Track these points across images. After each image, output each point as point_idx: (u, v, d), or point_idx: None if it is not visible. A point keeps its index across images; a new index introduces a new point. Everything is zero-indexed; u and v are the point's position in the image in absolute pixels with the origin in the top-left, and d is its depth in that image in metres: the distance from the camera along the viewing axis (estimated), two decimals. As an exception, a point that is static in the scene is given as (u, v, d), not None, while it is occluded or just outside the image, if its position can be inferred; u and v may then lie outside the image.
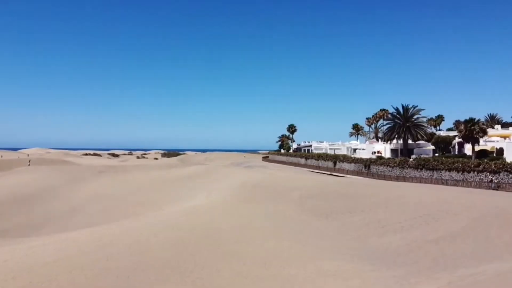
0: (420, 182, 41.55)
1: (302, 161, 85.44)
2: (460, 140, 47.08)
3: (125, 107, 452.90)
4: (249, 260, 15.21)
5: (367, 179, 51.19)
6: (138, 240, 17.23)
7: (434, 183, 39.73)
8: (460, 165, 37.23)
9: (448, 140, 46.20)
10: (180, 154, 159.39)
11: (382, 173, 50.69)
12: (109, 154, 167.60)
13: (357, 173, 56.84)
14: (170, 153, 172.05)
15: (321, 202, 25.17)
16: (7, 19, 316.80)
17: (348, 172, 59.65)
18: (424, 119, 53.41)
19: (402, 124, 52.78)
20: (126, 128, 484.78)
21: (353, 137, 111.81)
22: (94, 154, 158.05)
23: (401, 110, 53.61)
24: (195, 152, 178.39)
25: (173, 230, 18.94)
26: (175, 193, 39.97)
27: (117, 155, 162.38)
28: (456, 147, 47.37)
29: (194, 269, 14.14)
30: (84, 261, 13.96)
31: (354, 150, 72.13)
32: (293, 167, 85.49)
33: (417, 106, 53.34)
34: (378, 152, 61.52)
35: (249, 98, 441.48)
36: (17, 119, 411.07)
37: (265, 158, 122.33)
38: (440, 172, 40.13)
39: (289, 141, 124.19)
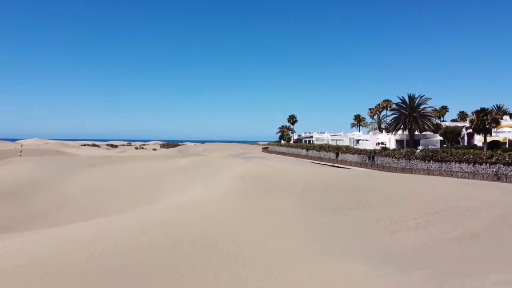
0: (428, 174, 39.99)
1: (303, 152, 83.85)
2: (470, 130, 45.34)
3: (126, 98, 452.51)
4: (249, 262, 13.67)
5: (371, 170, 49.62)
6: (126, 239, 15.66)
7: (443, 175, 38.18)
8: (471, 157, 35.61)
9: (457, 131, 44.42)
10: (179, 145, 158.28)
11: (388, 165, 49.11)
12: (107, 145, 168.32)
13: (361, 164, 55.28)
14: (169, 144, 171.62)
15: (326, 196, 23.58)
16: (7, 15, 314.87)
17: (351, 163, 58.07)
18: (431, 109, 51.60)
19: (408, 114, 50.94)
20: (127, 119, 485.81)
21: (354, 128, 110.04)
22: (93, 145, 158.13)
23: (407, 99, 51.74)
24: (194, 143, 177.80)
25: (166, 228, 17.37)
26: (171, 186, 38.42)
27: (115, 146, 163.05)
28: (466, 138, 45.68)
29: (187, 272, 12.60)
30: (61, 264, 12.40)
31: (357, 141, 70.47)
32: (294, 158, 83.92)
33: (423, 95, 51.57)
34: (383, 143, 59.85)
35: (249, 89, 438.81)
36: (19, 110, 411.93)
37: (265, 149, 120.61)
38: (450, 163, 38.53)
39: (290, 132, 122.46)
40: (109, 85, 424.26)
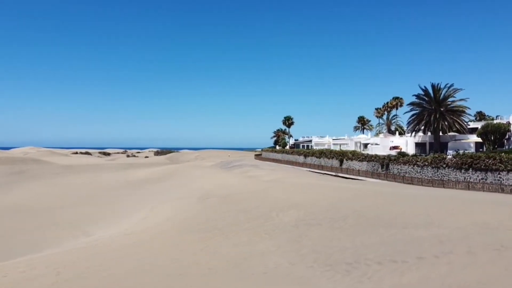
0: (468, 188, 30.95)
1: (301, 159, 74.83)
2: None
3: (125, 106, 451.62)
4: None
5: (387, 182, 40.57)
6: None
7: (490, 191, 29.16)
8: (535, 164, 26.63)
9: (502, 130, 35.33)
10: (172, 152, 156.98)
11: (408, 175, 40.07)
12: (100, 152, 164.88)
13: (372, 174, 46.23)
14: (162, 151, 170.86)
15: (334, 234, 14.45)
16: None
17: (359, 172, 49.01)
18: (463, 103, 42.56)
19: (433, 109, 41.83)
20: (128, 127, 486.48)
21: (358, 131, 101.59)
22: (86, 153, 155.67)
23: (430, 91, 42.62)
24: (191, 151, 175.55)
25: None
26: (114, 206, 29.33)
27: (108, 154, 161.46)
28: (513, 138, 36.93)
29: None
30: None
31: (365, 145, 61.46)
32: (290, 166, 75.00)
33: (452, 85, 42.27)
34: (397, 147, 50.93)
35: (247, 93, 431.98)
36: (22, 118, 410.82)
37: (258, 156, 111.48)
38: (499, 173, 29.55)
39: (286, 136, 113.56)
40: (112, 93, 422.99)
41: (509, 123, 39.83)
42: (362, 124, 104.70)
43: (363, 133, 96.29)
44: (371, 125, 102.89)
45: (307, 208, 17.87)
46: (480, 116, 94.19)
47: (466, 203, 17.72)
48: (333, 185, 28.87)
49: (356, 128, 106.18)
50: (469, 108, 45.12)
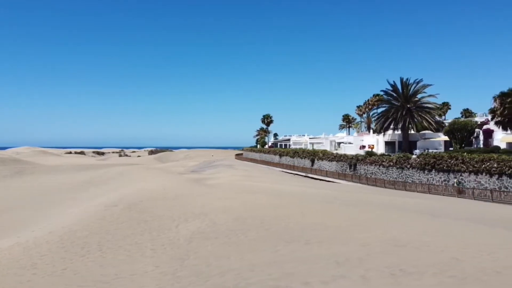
0: (429, 190, 29.10)
1: (276, 158, 72.93)
2: (489, 126, 34.65)
3: (126, 106, 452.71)
4: None
5: (352, 184, 38.65)
6: None
7: (451, 194, 27.30)
8: (495, 165, 24.76)
9: (469, 128, 33.37)
10: (163, 151, 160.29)
11: (373, 176, 38.20)
12: (93, 152, 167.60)
13: (339, 175, 44.28)
14: (157, 150, 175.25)
15: (227, 250, 12.31)
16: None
17: (327, 173, 47.04)
18: (432, 100, 40.67)
19: (400, 106, 39.94)
20: (129, 127, 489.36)
21: (344, 130, 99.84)
22: (81, 153, 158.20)
23: (399, 86, 40.67)
24: (186, 150, 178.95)
25: None
26: (47, 211, 26.88)
27: (102, 153, 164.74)
28: (481, 137, 35.01)
29: None
30: None
31: (339, 144, 59.53)
32: (265, 166, 73.11)
33: (421, 80, 40.27)
34: (369, 146, 49.04)
35: (242, 91, 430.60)
36: (25, 119, 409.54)
37: (238, 156, 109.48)
38: (461, 175, 27.70)
39: (266, 135, 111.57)
40: (110, 92, 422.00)
41: (488, 120, 38.05)
42: (348, 122, 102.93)
43: (348, 131, 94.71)
44: (356, 123, 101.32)
45: (215, 217, 15.70)
46: (466, 113, 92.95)
47: (397, 212, 15.72)
48: (277, 188, 26.78)
49: (341, 127, 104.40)
50: (440, 105, 43.34)
